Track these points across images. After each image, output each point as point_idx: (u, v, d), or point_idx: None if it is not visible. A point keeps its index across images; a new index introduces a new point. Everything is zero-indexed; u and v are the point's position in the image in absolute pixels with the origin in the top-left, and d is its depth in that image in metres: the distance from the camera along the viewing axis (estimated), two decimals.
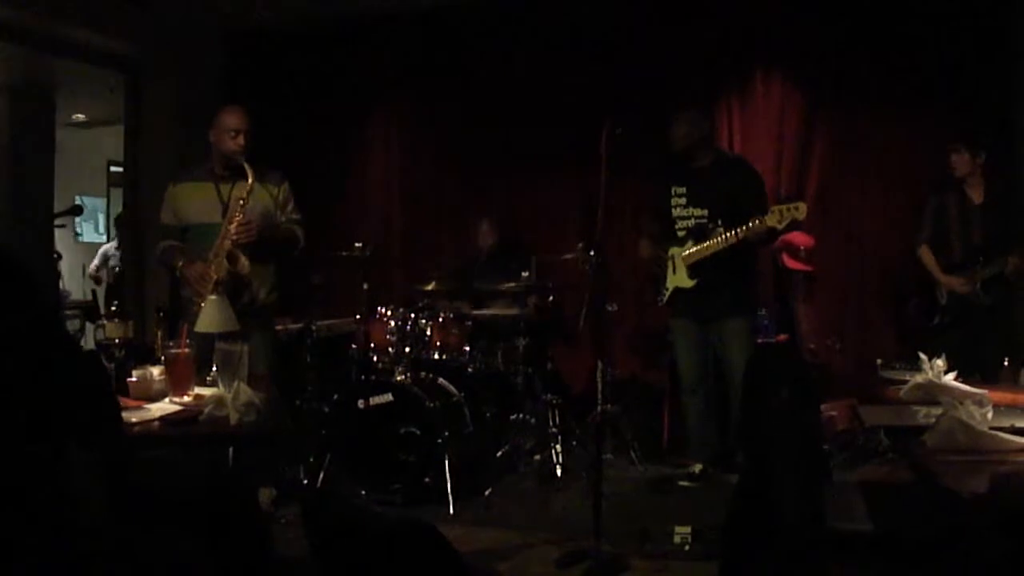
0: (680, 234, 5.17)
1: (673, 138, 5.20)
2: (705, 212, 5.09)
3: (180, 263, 4.43)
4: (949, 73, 5.86)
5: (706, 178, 5.15)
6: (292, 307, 5.46)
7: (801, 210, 4.70)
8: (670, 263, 5.20)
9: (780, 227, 4.76)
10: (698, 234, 5.06)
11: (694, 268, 5.06)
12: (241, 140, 4.42)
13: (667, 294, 5.25)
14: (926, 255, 5.47)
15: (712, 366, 5.26)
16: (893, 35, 5.99)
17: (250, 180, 4.32)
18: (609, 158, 4.20)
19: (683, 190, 5.20)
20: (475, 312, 6.03)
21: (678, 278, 5.16)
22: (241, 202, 4.29)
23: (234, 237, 4.24)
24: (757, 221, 4.75)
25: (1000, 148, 5.48)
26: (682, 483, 5.16)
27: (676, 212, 5.21)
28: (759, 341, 5.54)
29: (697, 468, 5.18)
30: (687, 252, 5.08)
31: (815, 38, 6.21)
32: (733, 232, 4.84)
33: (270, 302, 4.59)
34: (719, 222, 4.97)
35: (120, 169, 8.14)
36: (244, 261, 4.24)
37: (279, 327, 5.15)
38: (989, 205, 5.30)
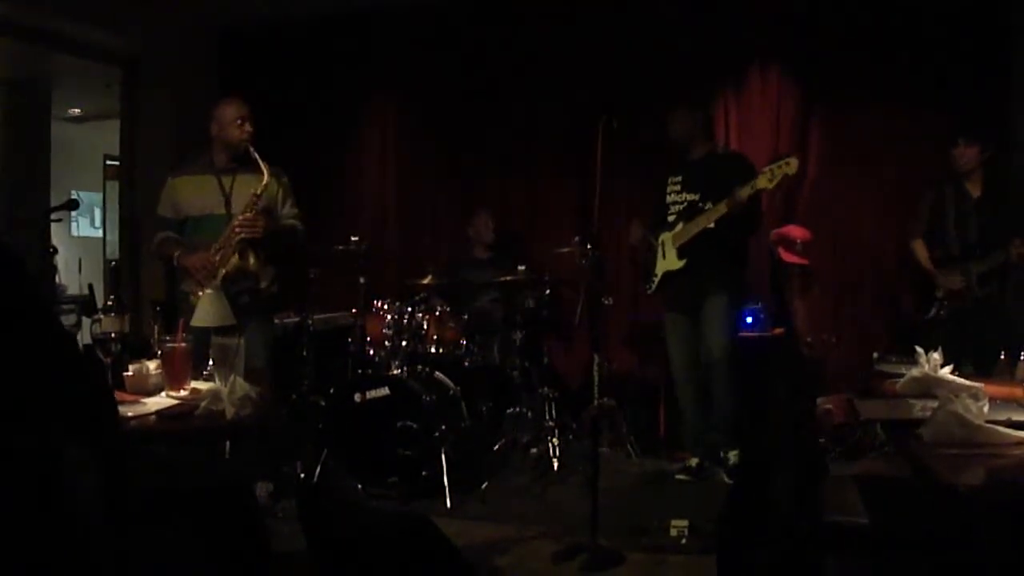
0: (671, 219, 5.20)
1: (671, 130, 5.23)
2: (697, 196, 5.10)
3: (177, 253, 4.45)
4: (945, 68, 5.86)
5: (701, 167, 5.18)
6: (289, 301, 5.47)
7: (792, 165, 4.69)
8: (659, 248, 5.21)
9: (771, 186, 4.76)
10: (688, 214, 5.08)
11: (683, 249, 5.07)
12: (248, 127, 4.48)
13: (656, 281, 5.25)
14: (919, 249, 5.47)
15: (701, 358, 5.22)
16: (889, 30, 5.99)
17: (266, 176, 4.34)
18: (605, 152, 4.19)
19: (679, 178, 5.25)
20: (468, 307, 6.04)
21: (667, 262, 5.17)
22: (255, 197, 4.32)
23: (240, 233, 4.26)
24: (748, 188, 4.76)
25: (996, 144, 5.47)
26: (678, 476, 5.17)
27: (670, 198, 5.25)
28: (755, 335, 5.55)
29: (693, 462, 5.18)
30: (676, 232, 5.10)
31: (811, 33, 6.21)
32: (723, 204, 4.84)
33: (269, 295, 4.62)
34: (708, 203, 4.98)
35: (116, 162, 8.13)
36: (253, 259, 4.26)
37: (275, 321, 5.16)
38: (987, 200, 5.30)
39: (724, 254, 5.10)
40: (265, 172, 4.36)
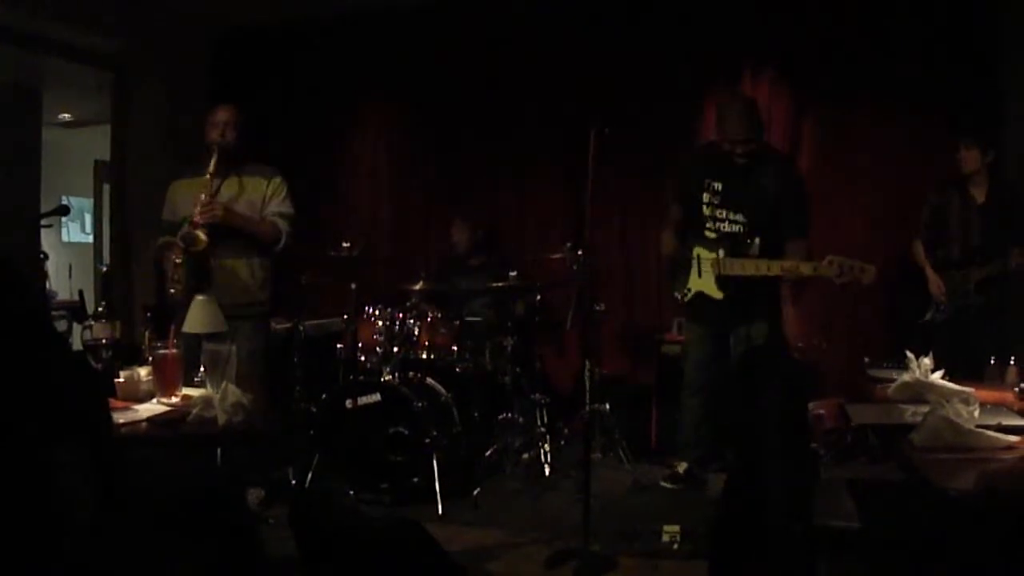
0: (709, 235, 4.89)
1: (732, 125, 4.75)
2: (740, 218, 4.82)
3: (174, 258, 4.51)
4: (938, 71, 5.88)
5: (745, 176, 4.81)
6: (280, 306, 5.47)
7: (868, 273, 4.35)
8: (695, 263, 4.91)
9: (838, 281, 4.41)
10: (733, 246, 4.79)
11: (723, 281, 4.80)
12: (216, 133, 4.57)
13: (689, 295, 4.97)
14: (919, 250, 5.47)
15: (719, 370, 5.07)
16: (882, 33, 6.01)
17: (212, 164, 4.43)
18: (597, 157, 4.17)
19: (719, 186, 4.87)
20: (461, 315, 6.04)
21: (704, 283, 4.88)
22: (208, 183, 4.42)
23: (198, 219, 4.32)
24: (811, 268, 4.47)
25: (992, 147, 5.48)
26: (664, 484, 5.11)
27: (707, 211, 4.90)
28: None
29: (681, 468, 5.12)
30: (716, 259, 4.79)
31: (804, 35, 6.22)
32: (779, 265, 4.57)
33: (261, 301, 4.64)
34: (755, 239, 4.77)
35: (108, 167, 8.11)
36: (201, 236, 4.29)
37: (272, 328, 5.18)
38: (990, 205, 5.30)
39: (769, 287, 4.85)
40: (212, 162, 4.43)
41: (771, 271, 4.61)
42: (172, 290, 4.35)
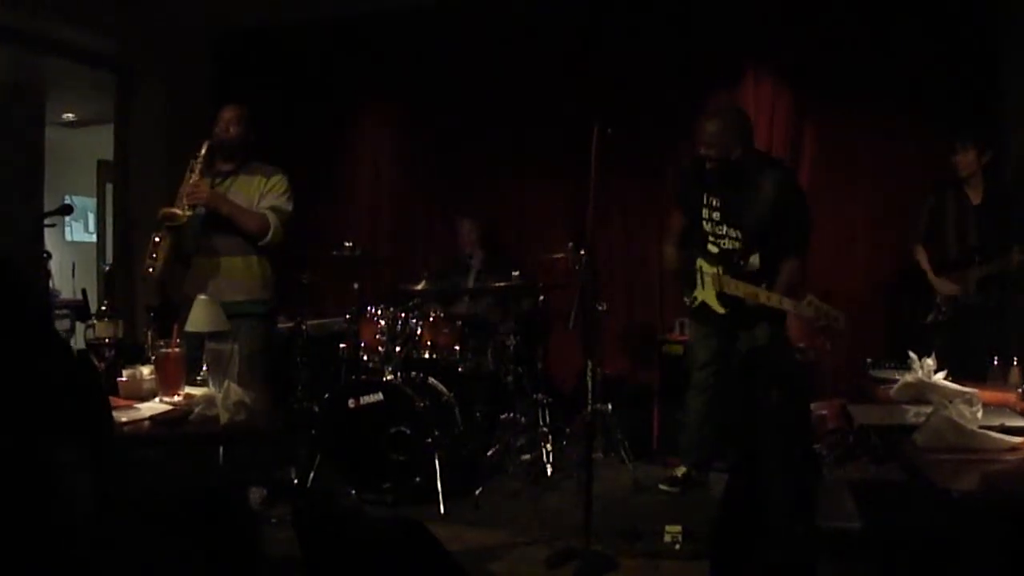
0: (711, 248, 4.90)
1: (704, 139, 4.75)
2: (739, 234, 4.80)
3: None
4: (938, 72, 5.88)
5: (743, 191, 4.76)
6: (283, 306, 5.48)
7: (840, 322, 4.32)
8: (698, 274, 4.93)
9: (816, 325, 4.43)
10: (731, 265, 4.79)
11: (724, 297, 4.81)
12: (228, 127, 4.62)
13: (696, 303, 4.99)
14: (920, 255, 5.46)
15: (723, 369, 5.07)
16: (882, 35, 6.01)
17: (203, 150, 4.50)
18: (599, 158, 4.17)
19: (717, 202, 4.86)
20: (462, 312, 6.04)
21: (707, 295, 4.89)
22: (194, 164, 4.48)
23: (185, 200, 4.40)
24: (792, 304, 4.45)
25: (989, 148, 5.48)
26: (662, 487, 5.08)
27: (707, 227, 4.90)
28: None
29: (680, 472, 5.11)
30: (717, 274, 4.80)
31: (804, 35, 6.22)
32: (767, 295, 4.56)
33: (264, 299, 4.64)
34: (754, 255, 4.75)
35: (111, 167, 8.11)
36: (180, 213, 4.36)
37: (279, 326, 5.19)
38: (987, 206, 5.29)
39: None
40: (203, 148, 4.51)
41: (759, 299, 4.61)
42: (151, 268, 4.37)
